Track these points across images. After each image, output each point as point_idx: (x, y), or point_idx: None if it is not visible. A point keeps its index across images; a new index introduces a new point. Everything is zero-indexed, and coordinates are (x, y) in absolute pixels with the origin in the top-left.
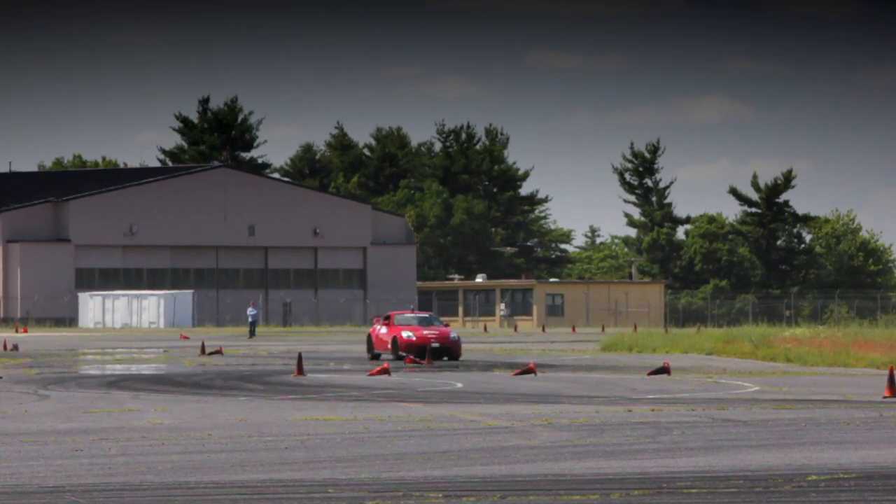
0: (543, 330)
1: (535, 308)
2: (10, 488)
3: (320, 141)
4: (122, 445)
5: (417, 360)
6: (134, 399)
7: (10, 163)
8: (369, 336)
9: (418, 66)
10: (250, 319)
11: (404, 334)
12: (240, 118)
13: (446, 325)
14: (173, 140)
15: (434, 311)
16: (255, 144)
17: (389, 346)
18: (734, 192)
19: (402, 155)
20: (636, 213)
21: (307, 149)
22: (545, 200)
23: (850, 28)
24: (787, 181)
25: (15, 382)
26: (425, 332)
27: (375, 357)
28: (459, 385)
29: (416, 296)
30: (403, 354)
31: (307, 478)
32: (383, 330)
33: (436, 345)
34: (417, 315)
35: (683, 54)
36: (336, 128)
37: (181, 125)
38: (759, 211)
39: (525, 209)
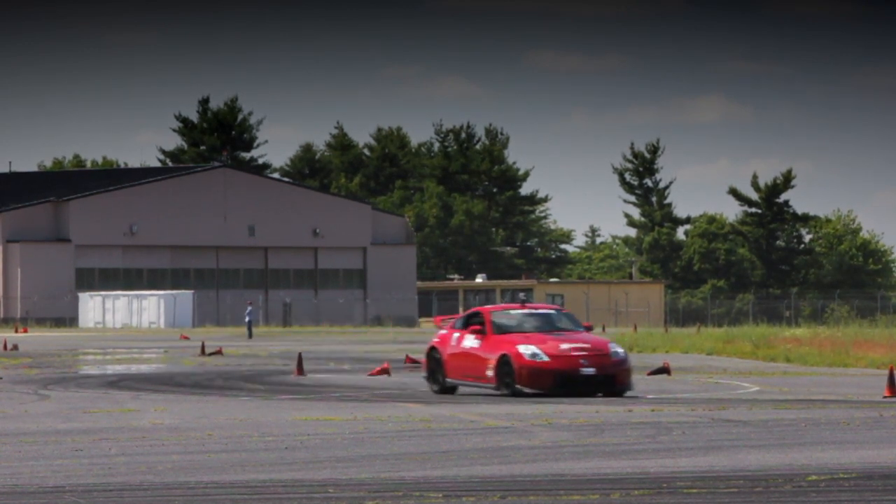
0: None
1: None
2: (10, 488)
3: (320, 141)
4: (122, 445)
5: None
6: (134, 399)
7: (10, 163)
8: (431, 351)
9: (418, 66)
10: (247, 319)
11: (524, 350)
12: (240, 118)
13: (588, 328)
14: (173, 140)
15: (434, 312)
16: (255, 144)
17: (492, 371)
18: (734, 192)
19: (402, 155)
20: (636, 213)
21: (307, 149)
22: (545, 200)
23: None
24: (787, 181)
25: (15, 382)
26: (563, 345)
27: (445, 389)
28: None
29: (416, 296)
30: (524, 389)
31: (307, 478)
32: (471, 343)
33: (589, 371)
34: (534, 311)
35: (683, 54)
36: (336, 128)
37: (181, 125)
38: (759, 211)
39: (525, 209)
